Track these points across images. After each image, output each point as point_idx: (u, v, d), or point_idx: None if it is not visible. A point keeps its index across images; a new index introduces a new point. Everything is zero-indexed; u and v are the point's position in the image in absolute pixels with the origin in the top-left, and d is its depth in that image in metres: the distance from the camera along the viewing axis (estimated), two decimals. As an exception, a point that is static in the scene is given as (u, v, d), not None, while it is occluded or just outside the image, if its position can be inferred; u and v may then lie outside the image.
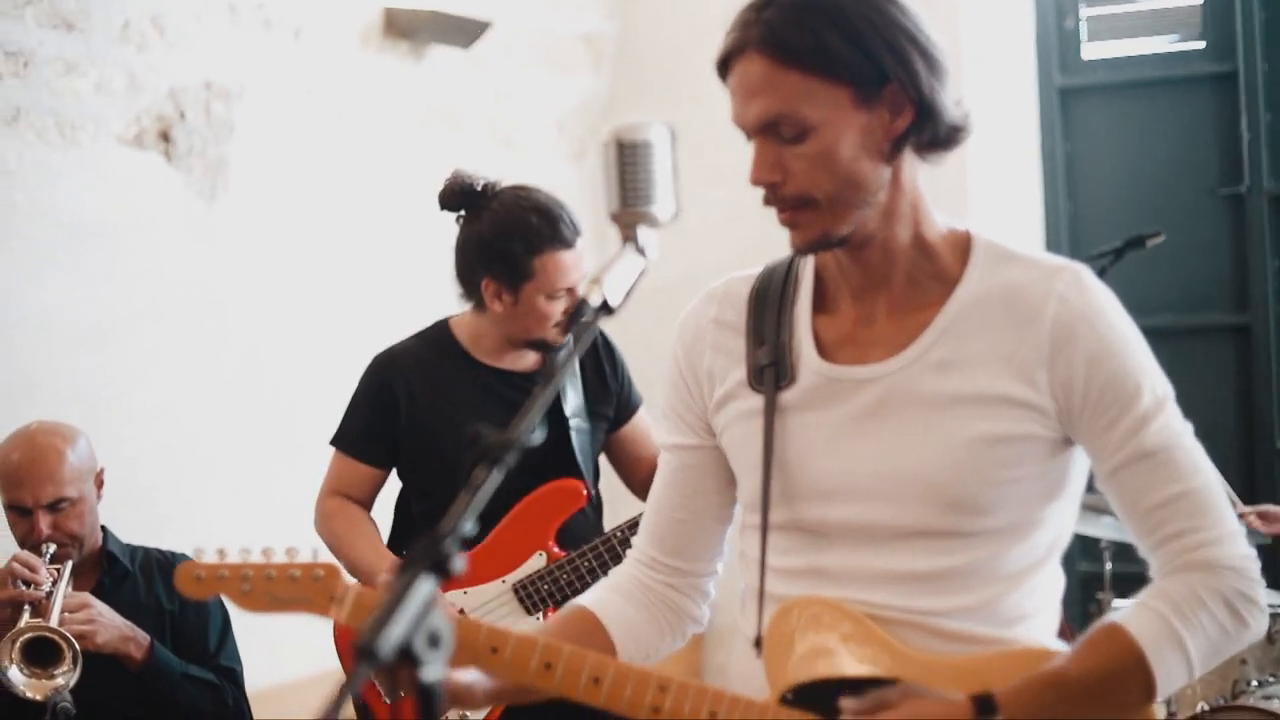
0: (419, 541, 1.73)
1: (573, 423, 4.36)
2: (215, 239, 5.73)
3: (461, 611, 4.32)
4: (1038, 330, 2.45)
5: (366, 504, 4.54)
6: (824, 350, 2.60)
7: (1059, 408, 2.46)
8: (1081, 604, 6.70)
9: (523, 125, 7.13)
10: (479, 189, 4.36)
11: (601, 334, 4.44)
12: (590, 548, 4.26)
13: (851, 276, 2.58)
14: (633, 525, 4.18)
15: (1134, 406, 2.45)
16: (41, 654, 3.66)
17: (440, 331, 4.51)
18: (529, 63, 7.09)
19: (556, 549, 4.32)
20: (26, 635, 3.64)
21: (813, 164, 2.42)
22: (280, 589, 2.57)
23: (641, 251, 2.21)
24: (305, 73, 6.05)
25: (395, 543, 4.53)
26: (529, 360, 4.42)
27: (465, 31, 6.57)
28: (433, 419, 4.39)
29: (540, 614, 4.32)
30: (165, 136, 5.58)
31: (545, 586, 4.29)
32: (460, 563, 1.71)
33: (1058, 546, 2.60)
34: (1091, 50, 7.37)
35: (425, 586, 1.69)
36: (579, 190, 7.37)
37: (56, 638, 3.63)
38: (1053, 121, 7.37)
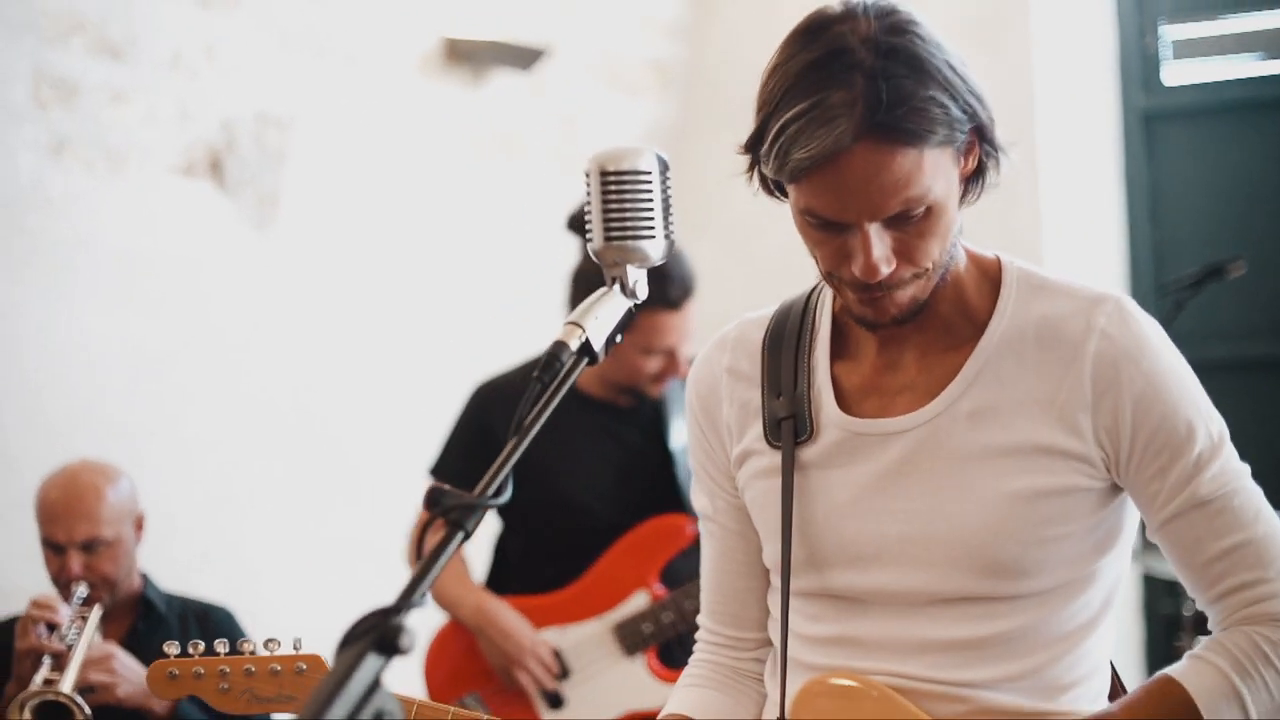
0: (364, 617, 1.56)
1: (678, 455, 4.25)
2: (266, 270, 5.64)
3: (556, 654, 4.23)
4: (1079, 370, 2.26)
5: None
6: (845, 401, 2.40)
7: (1106, 456, 2.27)
8: (1164, 647, 6.48)
9: (586, 152, 6.98)
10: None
11: None
12: (694, 586, 4.13)
13: None
14: None
15: (1187, 451, 2.26)
16: (54, 716, 3.54)
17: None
18: (592, 87, 6.96)
19: (660, 588, 4.22)
20: (36, 699, 3.52)
21: (935, 238, 2.23)
22: (261, 686, 2.42)
23: (630, 293, 2.03)
24: (359, 101, 5.95)
25: (493, 581, 4.46)
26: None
27: (526, 57, 6.45)
28: (533, 453, 4.26)
29: (642, 655, 4.21)
30: (216, 166, 5.49)
31: (648, 627, 4.19)
32: (409, 640, 1.54)
33: (1111, 602, 2.40)
34: (1174, 72, 7.17)
35: (371, 665, 1.52)
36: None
37: (67, 702, 3.51)
38: (1135, 146, 7.18)
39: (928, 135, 2.15)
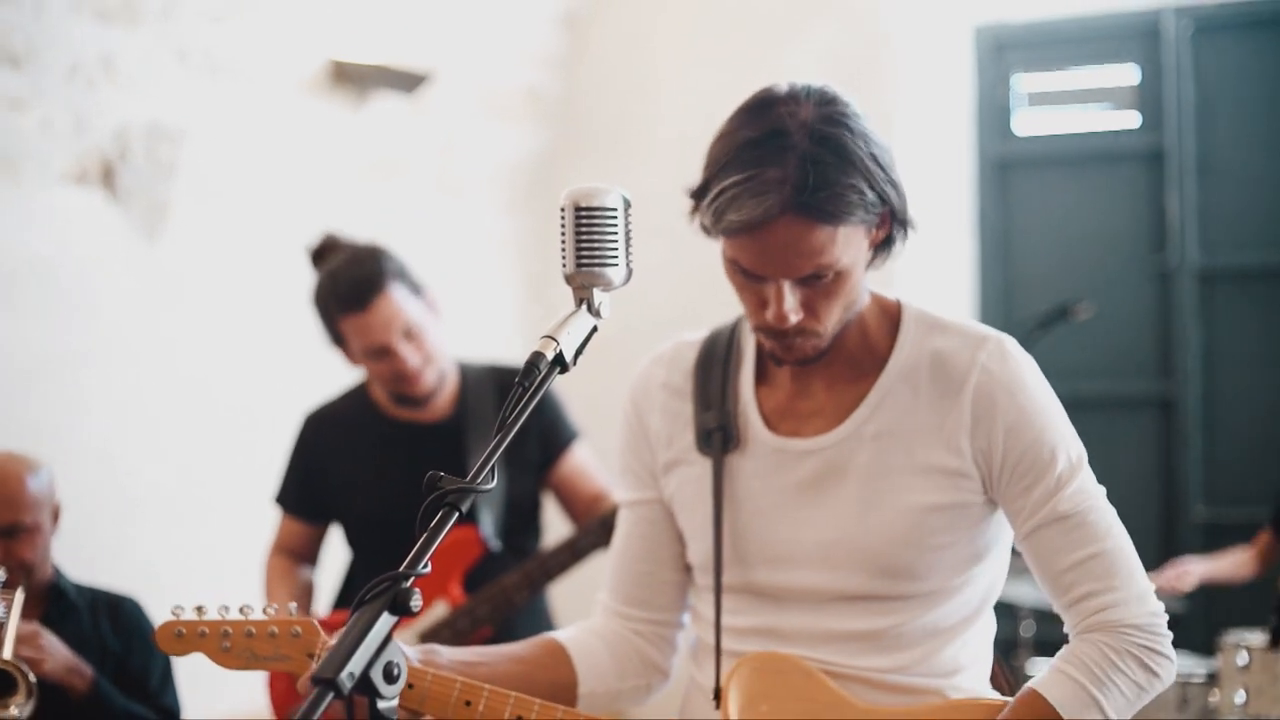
0: (377, 580, 1.79)
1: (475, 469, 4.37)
2: (156, 279, 5.72)
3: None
4: (962, 400, 2.60)
5: (310, 559, 4.65)
6: (767, 420, 2.73)
7: (982, 474, 2.60)
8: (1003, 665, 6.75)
9: (465, 175, 7.18)
10: (318, 247, 4.53)
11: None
12: (485, 595, 4.30)
13: None
14: (526, 574, 4.25)
15: (1050, 472, 2.58)
16: None
17: (358, 388, 4.61)
18: (471, 113, 7.14)
19: (460, 595, 4.35)
20: None
21: (835, 297, 2.56)
22: (260, 646, 2.63)
23: (595, 313, 2.27)
24: (248, 117, 6.07)
25: (344, 598, 4.62)
26: (437, 411, 4.47)
27: (409, 81, 6.61)
28: (349, 475, 4.48)
29: None
30: (108, 175, 5.58)
31: (446, 634, 4.32)
32: (417, 600, 1.76)
33: (988, 601, 2.75)
34: (1027, 122, 7.48)
35: (383, 623, 1.74)
36: (519, 241, 7.45)
37: (11, 669, 3.60)
38: (989, 191, 7.47)
39: (844, 216, 2.49)
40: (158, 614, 4.10)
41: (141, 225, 5.69)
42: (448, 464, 4.36)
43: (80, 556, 4.72)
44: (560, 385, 4.51)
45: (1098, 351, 7.22)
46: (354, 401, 4.57)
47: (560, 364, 2.18)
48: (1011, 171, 7.49)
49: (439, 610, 4.37)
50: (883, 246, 2.62)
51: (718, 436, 2.73)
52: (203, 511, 5.80)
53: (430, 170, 6.94)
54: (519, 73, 7.42)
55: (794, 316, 2.53)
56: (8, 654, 3.58)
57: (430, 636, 4.33)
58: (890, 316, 2.71)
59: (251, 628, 2.62)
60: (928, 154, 7.18)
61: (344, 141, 6.52)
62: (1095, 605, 2.56)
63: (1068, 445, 2.61)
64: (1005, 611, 6.67)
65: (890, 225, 2.60)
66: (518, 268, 7.44)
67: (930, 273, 7.08)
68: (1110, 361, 7.26)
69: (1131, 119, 7.33)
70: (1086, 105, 7.53)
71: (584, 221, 2.24)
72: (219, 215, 5.96)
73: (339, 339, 4.39)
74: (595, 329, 2.28)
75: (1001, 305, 7.42)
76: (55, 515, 4.04)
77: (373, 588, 1.79)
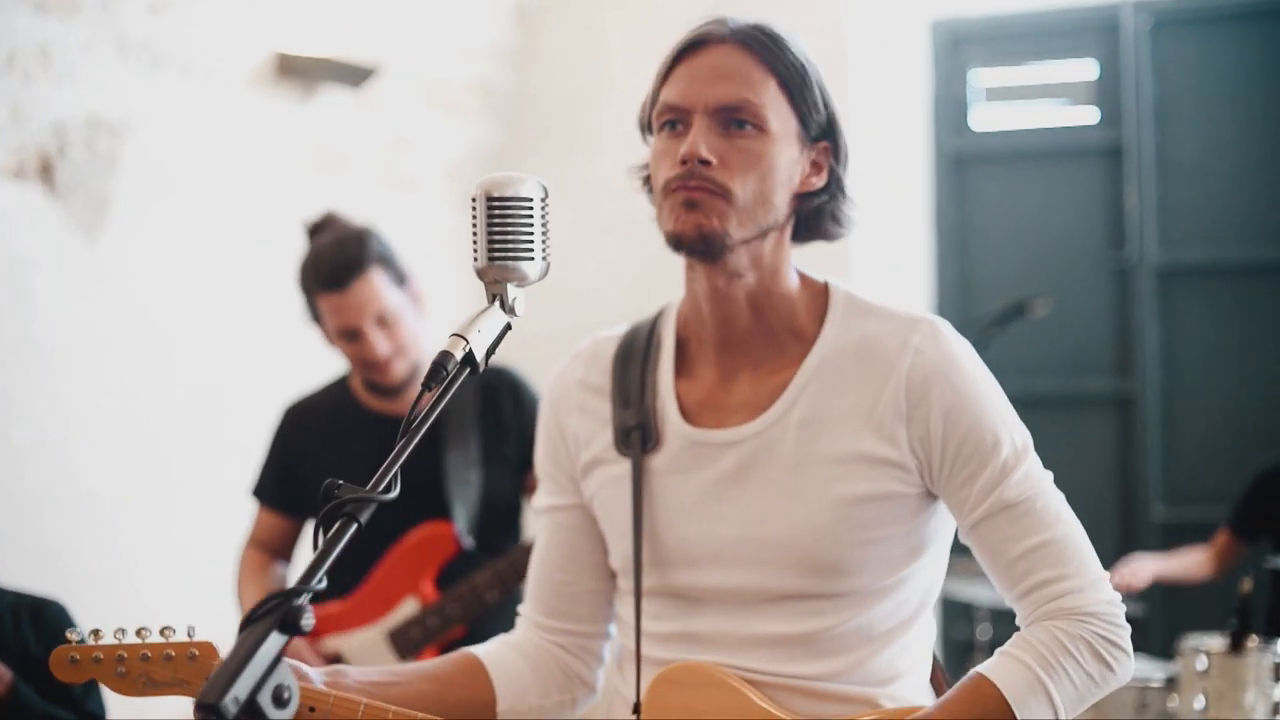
0: (267, 597, 1.68)
1: (452, 466, 4.31)
2: (95, 276, 5.62)
3: (337, 658, 4.29)
4: (894, 385, 2.48)
5: (285, 554, 4.58)
6: (687, 413, 2.61)
7: (920, 463, 2.48)
8: (959, 669, 6.69)
9: (412, 170, 7.09)
10: (315, 223, 4.48)
11: (509, 373, 4.43)
12: (455, 594, 4.23)
13: (712, 331, 2.59)
14: (497, 573, 4.18)
15: (993, 459, 2.46)
16: None
17: (339, 380, 4.56)
18: (420, 107, 7.04)
19: (432, 593, 4.29)
20: None
21: (751, 161, 2.47)
22: (156, 671, 2.51)
23: (510, 310, 2.17)
24: (191, 111, 5.96)
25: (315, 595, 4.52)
26: (408, 402, 4.39)
27: (356, 75, 6.52)
28: (325, 467, 4.35)
29: (412, 659, 4.27)
30: (46, 169, 5.48)
31: (416, 632, 4.26)
32: (309, 619, 1.66)
33: (927, 603, 2.62)
34: (983, 117, 7.42)
35: (272, 643, 1.64)
36: (467, 237, 7.33)
37: None
38: (945, 186, 7.41)
39: (783, 71, 2.49)
40: (94, 618, 4.03)
41: (81, 221, 5.58)
42: (422, 456, 4.30)
43: (12, 557, 4.65)
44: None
45: (1055, 349, 7.17)
46: (333, 393, 4.51)
47: (470, 364, 2.08)
48: (968, 167, 7.44)
49: (409, 607, 4.30)
50: (813, 198, 2.57)
51: (636, 435, 2.61)
52: (139, 512, 5.70)
53: (378, 165, 6.84)
54: (469, 66, 7.32)
55: (704, 151, 2.45)
56: None
57: (399, 634, 4.28)
58: (818, 299, 2.61)
59: (147, 651, 2.51)
60: (884, 149, 7.13)
61: (290, 136, 6.42)
62: (1050, 593, 2.44)
63: (1011, 429, 2.49)
64: (961, 613, 6.67)
65: (828, 181, 2.56)
66: (467, 264, 7.25)
67: (887, 268, 7.03)
68: (1068, 359, 7.21)
69: (1090, 114, 7.28)
70: (1044, 100, 7.46)
71: (496, 212, 2.16)
72: (161, 211, 5.86)
73: (317, 316, 4.37)
74: (509, 327, 2.18)
75: (959, 301, 7.36)
76: None
77: (262, 605, 1.67)
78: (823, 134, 2.55)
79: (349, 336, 4.25)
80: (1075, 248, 7.22)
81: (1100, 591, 2.46)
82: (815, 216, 2.60)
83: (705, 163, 2.46)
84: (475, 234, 2.16)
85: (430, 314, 4.45)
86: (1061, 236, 7.25)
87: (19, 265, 5.40)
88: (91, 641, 2.53)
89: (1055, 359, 7.18)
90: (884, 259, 7.01)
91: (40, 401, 5.44)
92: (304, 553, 4.65)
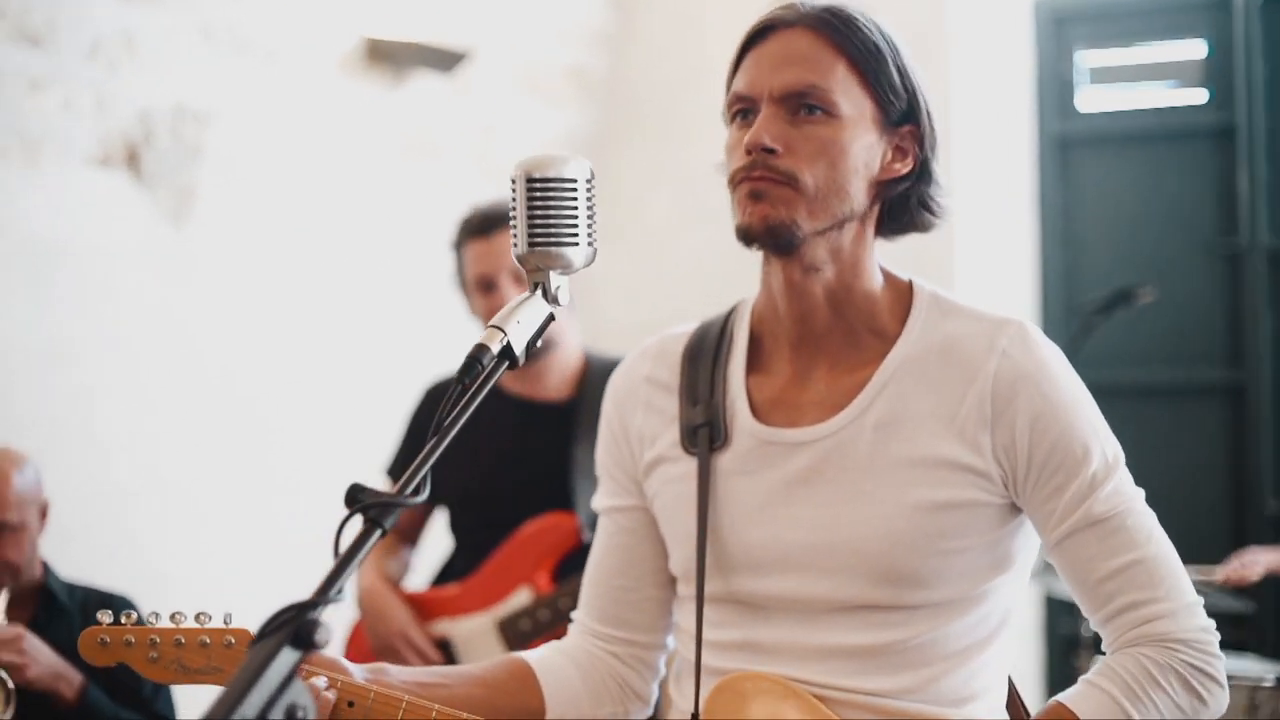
0: (281, 610, 1.56)
1: (581, 458, 4.25)
2: (182, 264, 5.59)
3: (445, 642, 4.29)
4: (980, 389, 2.34)
5: (410, 537, 4.60)
6: (758, 411, 2.47)
7: (1004, 473, 2.33)
8: (1063, 666, 6.55)
9: (505, 157, 6.99)
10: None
11: None
12: (569, 587, 4.17)
13: (787, 321, 2.45)
14: None
15: (1082, 471, 2.32)
16: None
17: None
18: (513, 93, 6.95)
19: (547, 584, 4.23)
20: None
21: (820, 148, 2.35)
22: (190, 657, 2.41)
23: (552, 299, 2.05)
24: (278, 97, 5.91)
25: (445, 571, 4.58)
26: (552, 392, 4.40)
27: (447, 60, 6.44)
28: (457, 450, 4.31)
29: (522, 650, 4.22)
30: (133, 158, 5.44)
31: (525, 623, 4.22)
32: (325, 634, 1.54)
33: (1007, 622, 2.46)
34: (1089, 99, 7.24)
35: (284, 659, 1.52)
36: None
37: None
38: (1050, 170, 7.24)
39: (853, 51, 2.38)
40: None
41: (167, 209, 5.55)
42: (553, 445, 4.37)
43: (86, 553, 4.61)
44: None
45: (1163, 337, 6.97)
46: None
47: (509, 358, 1.97)
48: (1074, 151, 7.25)
49: (523, 597, 4.26)
50: (897, 186, 2.43)
51: (704, 433, 2.47)
52: (226, 505, 5.65)
53: (470, 152, 6.74)
54: (563, 50, 7.21)
55: (768, 139, 2.33)
56: None
57: (509, 624, 4.26)
58: (902, 298, 2.47)
59: (181, 636, 2.41)
60: (987, 133, 6.98)
61: (380, 123, 6.35)
62: (1138, 617, 2.30)
63: (1102, 441, 2.35)
64: (1065, 609, 6.51)
65: (915, 168, 2.43)
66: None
67: (990, 255, 6.88)
68: (1177, 347, 7.01)
69: (1199, 95, 7.07)
70: (1152, 82, 7.27)
71: (538, 194, 2.04)
72: (248, 199, 5.81)
73: (462, 273, 4.38)
74: (552, 317, 2.06)
75: (1063, 288, 7.17)
76: (43, 513, 3.91)
77: (275, 619, 1.56)
78: (905, 118, 2.42)
79: (485, 287, 4.26)
80: (1184, 233, 7.03)
81: (1193, 617, 2.32)
82: (902, 206, 2.46)
83: (771, 151, 2.34)
84: (514, 218, 2.04)
85: (578, 307, 4.39)
86: (1170, 221, 7.06)
87: (105, 254, 5.38)
88: (124, 622, 2.45)
89: (1163, 348, 7.00)
90: (987, 246, 6.86)
91: (126, 391, 5.41)
92: (432, 538, 4.66)
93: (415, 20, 6.34)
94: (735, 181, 2.39)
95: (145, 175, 5.47)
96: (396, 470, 4.51)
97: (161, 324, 5.53)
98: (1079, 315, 6.13)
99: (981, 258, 6.79)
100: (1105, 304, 6.05)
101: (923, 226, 2.50)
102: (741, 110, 2.42)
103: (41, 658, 3.64)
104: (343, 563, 1.64)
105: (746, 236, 2.39)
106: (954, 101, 6.72)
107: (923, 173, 2.44)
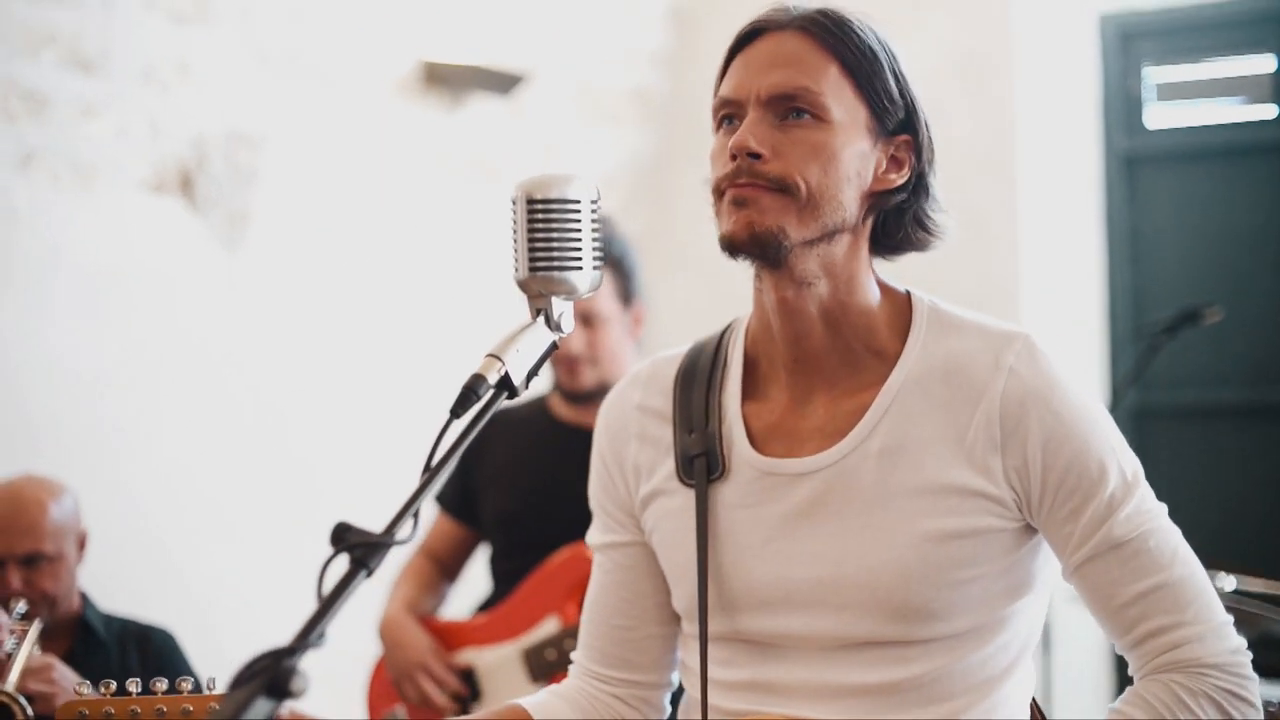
0: (257, 657, 1.51)
1: None
2: (236, 289, 5.58)
3: (469, 672, 4.22)
4: (986, 409, 2.23)
5: (451, 563, 4.52)
6: (756, 441, 2.36)
7: (1017, 497, 2.23)
8: (1119, 683, 6.44)
9: (566, 180, 6.95)
10: None
11: None
12: None
13: (781, 342, 2.34)
14: None
15: (1100, 492, 2.22)
16: None
17: (539, 395, 4.49)
18: (572, 115, 6.91)
19: (575, 615, 4.18)
20: None
21: (810, 152, 2.23)
22: None
23: (555, 326, 1.98)
24: (333, 121, 5.89)
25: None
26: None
27: (505, 82, 6.41)
28: (495, 470, 4.37)
29: (547, 681, 4.15)
30: (186, 183, 5.43)
31: (551, 653, 4.15)
32: (302, 682, 1.48)
33: (1028, 647, 2.35)
34: (1157, 115, 7.14)
35: (260, 708, 1.46)
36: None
37: (7, 700, 3.43)
38: (1116, 188, 7.14)
39: (846, 55, 2.26)
40: (217, 647, 3.94)
41: (221, 234, 5.54)
42: (586, 474, 4.24)
43: (143, 578, 4.60)
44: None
45: (1232, 357, 6.85)
46: (530, 405, 4.45)
47: (507, 388, 1.90)
48: (1141, 167, 7.15)
49: (549, 627, 4.19)
50: (890, 197, 2.32)
51: (701, 463, 2.36)
52: (276, 532, 5.62)
53: (529, 174, 6.69)
54: (622, 72, 7.16)
55: (754, 143, 2.22)
56: (9, 685, 3.40)
57: (534, 654, 4.20)
58: (901, 313, 2.35)
59: (163, 705, 2.38)
60: (1054, 151, 6.89)
61: (437, 146, 6.32)
62: (1166, 642, 2.21)
63: (1119, 457, 2.24)
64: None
65: (909, 180, 2.31)
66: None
67: (1056, 274, 6.80)
68: (1246, 368, 6.89)
69: (1268, 111, 6.96)
70: (1220, 98, 7.16)
71: (539, 216, 1.98)
72: (302, 224, 5.80)
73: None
74: (555, 345, 1.99)
75: (1130, 307, 7.07)
76: (81, 543, 3.89)
77: (250, 667, 1.50)
78: (901, 127, 2.30)
79: (583, 321, 4.20)
80: (1253, 251, 6.91)
81: (1223, 640, 2.22)
82: (897, 221, 2.34)
83: (757, 156, 2.22)
84: (515, 241, 1.98)
85: (641, 344, 4.38)
86: (1238, 239, 6.95)
87: (160, 280, 5.38)
88: (103, 693, 2.42)
89: (1232, 368, 6.88)
90: (1054, 265, 6.77)
91: (181, 416, 5.40)
92: (473, 568, 4.59)
93: (473, 43, 6.31)
94: (719, 190, 2.28)
95: (199, 200, 5.46)
96: (443, 496, 4.47)
97: (215, 349, 5.51)
98: (1145, 335, 6.04)
99: (1048, 277, 6.71)
100: (1172, 324, 5.95)
101: (919, 245, 2.38)
102: (727, 115, 2.31)
103: (70, 688, 3.61)
104: (324, 607, 1.58)
105: (730, 247, 2.27)
106: (1020, 120, 6.66)
107: (918, 185, 2.33)
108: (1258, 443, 6.83)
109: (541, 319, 2.02)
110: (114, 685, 2.43)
